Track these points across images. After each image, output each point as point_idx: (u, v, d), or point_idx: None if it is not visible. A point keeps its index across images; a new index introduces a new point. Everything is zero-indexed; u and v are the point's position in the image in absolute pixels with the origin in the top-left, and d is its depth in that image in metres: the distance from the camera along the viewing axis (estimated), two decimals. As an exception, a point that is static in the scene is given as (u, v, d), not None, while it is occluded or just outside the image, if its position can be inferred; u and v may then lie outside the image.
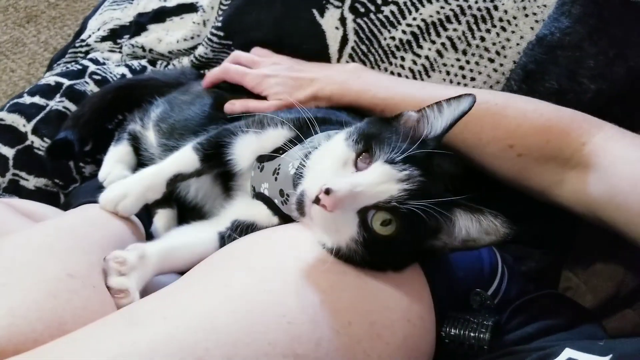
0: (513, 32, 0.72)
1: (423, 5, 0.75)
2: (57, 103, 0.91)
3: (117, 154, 0.81)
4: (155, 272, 0.55)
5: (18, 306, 0.41)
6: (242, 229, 0.62)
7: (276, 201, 0.60)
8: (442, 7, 0.74)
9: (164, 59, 1.00)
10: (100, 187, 0.76)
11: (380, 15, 0.77)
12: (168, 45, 0.98)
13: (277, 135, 0.62)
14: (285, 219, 0.60)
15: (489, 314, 0.48)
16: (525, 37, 0.71)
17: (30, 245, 0.49)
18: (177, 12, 1.00)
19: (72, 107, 0.90)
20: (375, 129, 0.53)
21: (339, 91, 0.70)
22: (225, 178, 0.69)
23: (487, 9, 0.72)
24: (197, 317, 0.39)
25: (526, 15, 0.72)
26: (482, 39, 0.73)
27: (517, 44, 0.72)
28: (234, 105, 0.75)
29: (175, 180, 0.64)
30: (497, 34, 0.72)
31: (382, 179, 0.46)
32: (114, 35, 1.06)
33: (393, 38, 0.77)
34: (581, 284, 0.66)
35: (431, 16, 0.75)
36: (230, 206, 0.65)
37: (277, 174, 0.60)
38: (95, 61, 0.99)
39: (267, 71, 0.76)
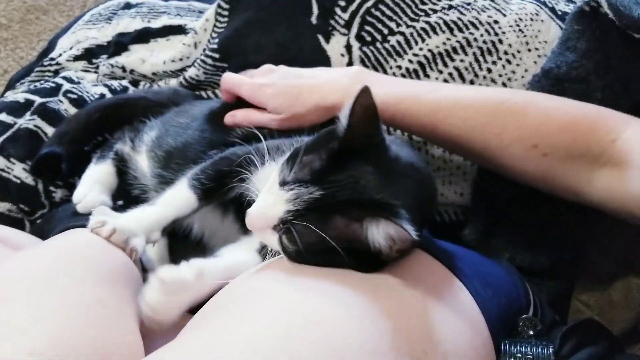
0: (518, 65, 0.75)
1: (429, 37, 0.77)
2: (28, 121, 0.83)
3: (98, 173, 0.75)
4: (212, 290, 0.49)
5: (57, 336, 0.34)
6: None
7: None
8: (448, 39, 0.76)
9: (146, 79, 0.95)
10: (77, 213, 0.70)
11: (386, 45, 0.78)
12: (152, 66, 0.94)
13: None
14: None
15: (545, 342, 0.47)
16: (530, 70, 0.74)
17: (44, 268, 0.42)
18: (163, 33, 0.97)
19: (45, 125, 0.84)
20: (306, 146, 0.51)
21: (343, 99, 0.61)
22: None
23: (492, 42, 0.75)
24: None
25: (529, 50, 0.75)
26: (489, 70, 0.75)
27: (522, 77, 0.75)
28: (235, 117, 0.69)
29: (173, 223, 0.60)
30: (503, 66, 0.75)
31: (273, 202, 0.48)
32: (89, 54, 1.01)
33: (399, 67, 0.78)
34: (594, 316, 0.67)
35: (437, 47, 0.77)
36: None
37: None
38: (69, 80, 0.93)
39: (263, 80, 0.71)
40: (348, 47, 0.79)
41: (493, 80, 0.75)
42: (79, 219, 0.65)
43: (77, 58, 1.01)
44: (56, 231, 0.62)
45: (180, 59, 0.92)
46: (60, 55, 1.02)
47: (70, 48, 1.03)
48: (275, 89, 0.68)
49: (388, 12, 0.78)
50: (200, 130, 0.70)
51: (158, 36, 0.97)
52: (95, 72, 0.99)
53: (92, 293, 0.41)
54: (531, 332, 0.48)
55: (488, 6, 0.77)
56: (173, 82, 0.92)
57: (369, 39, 0.78)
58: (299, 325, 0.37)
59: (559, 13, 0.77)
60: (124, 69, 0.95)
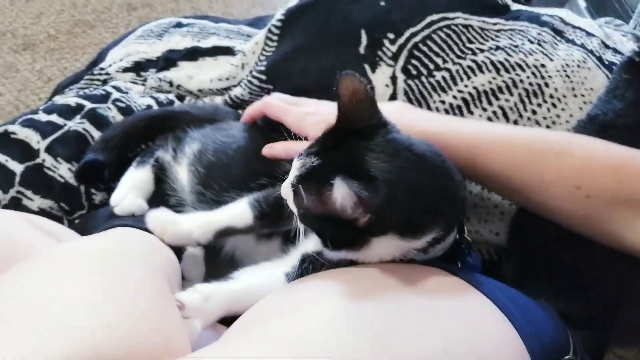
0: (563, 109, 0.76)
1: (475, 75, 0.79)
2: (77, 124, 0.86)
3: (137, 178, 0.76)
4: (221, 315, 0.50)
5: (129, 313, 0.35)
6: (310, 261, 0.59)
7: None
8: (494, 78, 0.78)
9: (192, 95, 0.98)
10: (114, 215, 0.71)
11: (431, 79, 0.80)
12: (199, 83, 0.97)
13: None
14: None
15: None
16: (575, 115, 0.75)
17: (109, 252, 0.44)
18: (212, 53, 1.01)
19: (92, 129, 0.86)
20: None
21: None
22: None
23: (539, 85, 0.76)
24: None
25: (575, 96, 0.76)
26: (534, 112, 0.76)
27: (567, 121, 0.75)
28: (273, 149, 0.70)
29: (225, 232, 0.62)
30: (548, 109, 0.76)
31: (292, 169, 0.55)
32: (138, 67, 1.05)
33: (443, 102, 0.79)
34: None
35: (483, 85, 0.78)
36: (297, 247, 0.61)
37: None
38: (118, 89, 0.97)
39: (308, 109, 0.73)
40: (393, 79, 0.81)
41: (537, 122, 0.76)
42: (125, 219, 0.66)
43: (126, 70, 1.05)
44: (101, 229, 0.63)
45: (227, 78, 0.95)
46: (110, 65, 1.06)
47: (121, 60, 1.07)
48: (320, 116, 0.69)
49: (435, 49, 0.80)
50: (242, 156, 0.71)
51: (207, 55, 1.01)
52: (143, 85, 1.03)
53: (152, 281, 0.42)
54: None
55: (535, 50, 0.78)
56: (218, 100, 0.95)
57: (414, 72, 0.80)
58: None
59: (606, 62, 0.78)
60: (171, 83, 0.99)
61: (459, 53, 0.80)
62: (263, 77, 0.88)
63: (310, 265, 0.58)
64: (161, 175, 0.76)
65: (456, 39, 0.80)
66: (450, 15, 0.81)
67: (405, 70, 0.81)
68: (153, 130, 0.83)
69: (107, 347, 0.33)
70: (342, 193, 0.46)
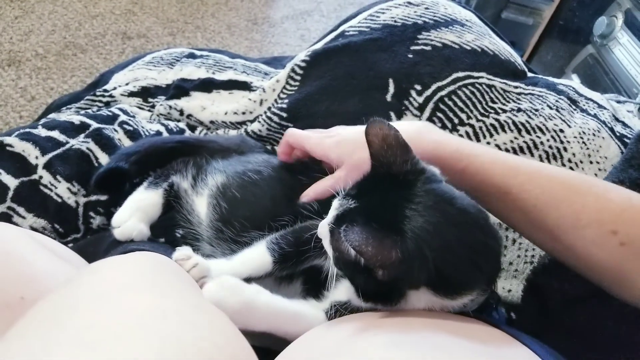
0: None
1: (497, 133, 0.81)
2: (81, 143, 0.83)
3: (144, 200, 0.71)
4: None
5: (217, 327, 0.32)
6: (337, 308, 0.55)
7: None
8: (515, 138, 0.80)
9: (202, 126, 0.97)
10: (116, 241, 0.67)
11: (455, 133, 0.82)
12: (212, 114, 0.96)
13: None
14: None
15: None
16: (591, 180, 0.78)
17: (154, 269, 0.40)
18: (227, 86, 1.00)
19: (97, 150, 0.83)
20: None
21: (413, 141, 0.57)
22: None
23: (558, 149, 0.79)
24: None
25: (590, 162, 0.79)
26: (553, 174, 0.78)
27: (583, 186, 0.78)
28: (307, 197, 0.66)
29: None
30: (566, 173, 0.78)
31: (331, 210, 0.54)
32: (146, 93, 1.03)
33: (465, 156, 0.81)
34: None
35: (505, 143, 0.80)
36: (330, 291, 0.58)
37: None
38: (125, 112, 0.94)
39: (329, 133, 0.70)
40: (418, 129, 0.82)
41: (555, 184, 0.78)
42: (141, 245, 0.62)
43: (132, 94, 1.02)
44: (117, 252, 0.59)
45: (243, 113, 0.94)
46: (114, 88, 1.03)
47: (127, 84, 1.05)
48: (339, 137, 0.67)
49: (460, 104, 0.82)
50: (267, 196, 0.68)
51: (221, 88, 1.00)
52: (149, 111, 1.01)
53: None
54: None
55: (554, 115, 0.82)
56: (232, 133, 0.93)
57: (439, 124, 0.82)
58: None
59: (617, 134, 0.82)
60: (182, 112, 0.97)
61: (482, 111, 0.82)
62: (284, 114, 0.88)
63: (337, 314, 0.55)
64: (174, 203, 0.72)
65: (480, 97, 0.83)
66: (475, 74, 0.84)
67: (430, 121, 0.82)
68: (177, 155, 0.79)
69: None
70: (351, 240, 0.45)
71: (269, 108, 0.91)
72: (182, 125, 0.95)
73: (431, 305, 0.51)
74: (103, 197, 0.79)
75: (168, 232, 0.75)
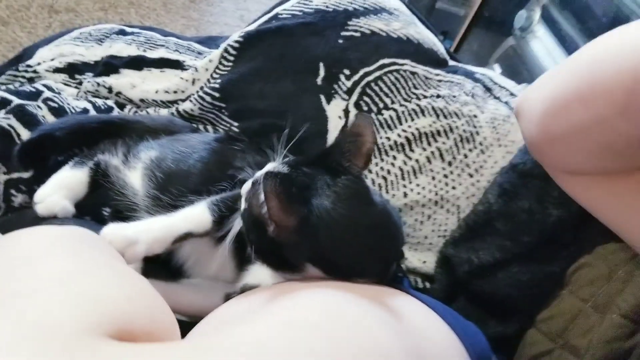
0: (489, 156, 0.86)
1: (418, 117, 0.87)
2: (1, 119, 0.80)
3: (70, 178, 0.73)
4: None
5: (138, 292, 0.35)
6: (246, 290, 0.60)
7: None
8: (434, 122, 0.87)
9: (132, 104, 0.97)
10: (38, 218, 0.67)
11: (380, 117, 0.87)
12: (142, 92, 0.96)
13: None
14: None
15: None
16: (499, 162, 0.86)
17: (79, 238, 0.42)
18: (159, 64, 1.00)
19: (19, 126, 0.81)
20: None
21: None
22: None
23: (471, 133, 0.87)
24: None
25: (499, 145, 0.87)
26: (465, 155, 0.86)
27: (492, 167, 0.86)
28: None
29: (184, 238, 0.61)
30: (477, 155, 0.86)
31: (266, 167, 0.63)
32: (72, 69, 1.01)
33: (388, 138, 0.86)
34: None
35: (424, 127, 0.87)
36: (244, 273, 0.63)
37: None
38: (49, 88, 0.92)
39: None
40: (346, 112, 0.87)
41: (467, 165, 0.86)
42: (67, 221, 0.63)
43: (57, 70, 1.00)
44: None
45: (175, 92, 0.95)
46: (39, 64, 1.01)
47: (52, 59, 1.02)
48: None
49: (385, 89, 0.88)
50: (202, 164, 0.72)
51: (152, 66, 1.00)
52: (76, 88, 0.99)
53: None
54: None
55: (469, 102, 0.89)
56: (163, 112, 0.94)
57: (365, 108, 0.87)
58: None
59: (526, 120, 0.91)
60: (110, 89, 0.96)
61: (405, 96, 0.88)
62: (216, 94, 0.89)
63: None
64: (102, 181, 0.73)
65: (404, 83, 0.88)
66: (400, 61, 0.89)
67: (357, 105, 0.87)
68: (101, 135, 0.80)
69: (134, 318, 0.33)
70: (266, 186, 0.50)
71: (201, 88, 0.92)
72: (110, 102, 0.95)
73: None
74: (25, 175, 0.78)
75: (94, 210, 0.76)
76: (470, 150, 0.86)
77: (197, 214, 0.61)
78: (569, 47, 1.29)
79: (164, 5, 2.07)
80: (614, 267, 0.73)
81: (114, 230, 0.56)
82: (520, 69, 1.44)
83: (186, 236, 0.60)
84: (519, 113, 0.66)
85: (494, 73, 0.98)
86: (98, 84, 0.95)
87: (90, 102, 0.92)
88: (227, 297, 0.61)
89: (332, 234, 0.52)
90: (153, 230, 0.58)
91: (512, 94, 0.95)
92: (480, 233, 0.80)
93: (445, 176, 0.85)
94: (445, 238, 0.85)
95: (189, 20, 2.08)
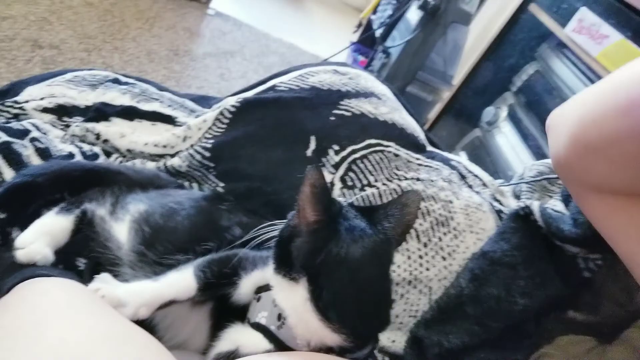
0: (462, 241, 0.91)
1: (398, 197, 0.92)
2: (-13, 154, 0.79)
3: (54, 225, 0.71)
4: None
5: None
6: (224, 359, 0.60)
7: (272, 328, 0.61)
8: (413, 204, 0.92)
9: (119, 153, 0.97)
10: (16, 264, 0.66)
11: (362, 193, 0.92)
12: (131, 143, 0.97)
13: None
14: (280, 345, 0.60)
15: None
16: (470, 248, 0.91)
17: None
18: (151, 117, 1.02)
19: (3, 165, 0.80)
20: None
21: None
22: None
23: (446, 217, 0.92)
24: None
25: (471, 232, 0.93)
26: (440, 239, 0.91)
27: (463, 252, 0.91)
28: None
29: (168, 304, 0.61)
30: (451, 239, 0.91)
31: None
32: (62, 111, 1.02)
33: (369, 214, 0.90)
34: None
35: (404, 208, 0.91)
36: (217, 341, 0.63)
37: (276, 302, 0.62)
38: (37, 128, 0.92)
39: None
40: (331, 184, 0.91)
41: (442, 248, 0.90)
42: (49, 270, 0.61)
43: (46, 110, 1.00)
44: (17, 278, 0.58)
45: (164, 146, 0.96)
46: (27, 102, 1.00)
47: (41, 99, 1.02)
48: None
49: (370, 167, 0.93)
50: (190, 222, 0.73)
51: (144, 118, 1.02)
52: (62, 130, 0.99)
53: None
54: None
55: (446, 187, 0.95)
56: (150, 165, 0.95)
57: (350, 183, 0.92)
58: None
59: (496, 209, 0.98)
60: (98, 136, 0.97)
61: (388, 176, 0.93)
62: (207, 153, 0.92)
63: None
64: (87, 230, 0.72)
65: (387, 163, 0.94)
66: (385, 143, 0.95)
67: (342, 179, 0.91)
68: (83, 183, 0.79)
69: None
70: (312, 173, 0.57)
71: (192, 145, 0.95)
72: (96, 149, 0.95)
73: (307, 325, 0.57)
74: (1, 215, 0.77)
75: (67, 258, 0.74)
76: (444, 234, 0.91)
77: (183, 281, 0.62)
78: (531, 144, 1.41)
79: (148, 55, 2.12)
80: (572, 359, 0.78)
81: (105, 287, 0.56)
82: (485, 159, 1.55)
83: (170, 303, 0.60)
84: (550, 127, 0.66)
85: (468, 162, 1.06)
86: (87, 130, 0.96)
87: (77, 146, 0.92)
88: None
89: (338, 267, 0.55)
90: (142, 294, 0.58)
91: (484, 184, 1.03)
92: (451, 316, 0.83)
93: (421, 257, 0.89)
94: (415, 318, 0.88)
95: (170, 71, 2.13)
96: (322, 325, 0.56)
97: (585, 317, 0.82)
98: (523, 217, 0.88)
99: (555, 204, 0.94)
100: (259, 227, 0.67)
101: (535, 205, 0.86)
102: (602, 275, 0.81)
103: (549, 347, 0.83)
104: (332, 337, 0.56)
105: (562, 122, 0.64)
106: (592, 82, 1.27)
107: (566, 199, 0.95)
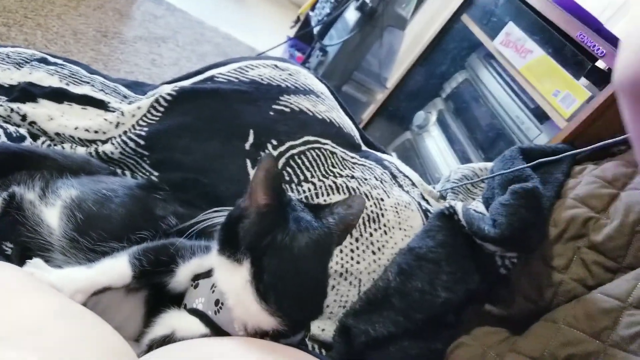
0: (391, 237, 0.97)
1: (333, 193, 0.96)
2: None
3: None
4: None
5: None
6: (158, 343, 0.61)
7: (209, 313, 0.63)
8: (346, 200, 0.96)
9: (46, 137, 0.94)
10: None
11: (299, 188, 0.95)
12: (60, 127, 0.94)
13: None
14: (216, 330, 0.62)
15: None
16: (399, 243, 0.97)
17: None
18: (81, 101, 0.99)
19: None
20: None
21: None
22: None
23: (377, 214, 0.98)
24: None
25: (400, 229, 0.99)
26: (371, 234, 0.96)
27: (392, 247, 0.97)
28: None
29: (102, 291, 0.61)
30: (381, 235, 0.97)
31: None
32: (-18, 89, 0.96)
33: (304, 209, 0.94)
34: None
35: (337, 203, 0.96)
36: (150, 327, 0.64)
37: (214, 287, 0.64)
38: (-44, 105, 0.86)
39: None
40: (268, 178, 0.93)
41: (372, 243, 0.96)
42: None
43: (-35, 87, 0.95)
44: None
45: (96, 132, 0.94)
46: (-56, 77, 0.94)
47: (-40, 75, 0.96)
48: None
49: (307, 163, 0.96)
50: (124, 209, 0.73)
51: (74, 102, 0.98)
52: (-16, 109, 0.94)
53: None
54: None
55: (378, 186, 1.01)
56: (80, 150, 0.92)
57: (287, 178, 0.94)
58: None
59: (423, 208, 1.05)
60: (24, 117, 0.93)
61: (324, 172, 0.97)
62: (141, 141, 0.91)
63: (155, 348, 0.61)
64: (15, 214, 0.70)
65: (324, 160, 0.98)
66: (322, 140, 0.99)
67: (280, 174, 0.94)
68: (8, 166, 0.76)
69: None
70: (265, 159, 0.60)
71: (125, 132, 0.93)
72: (22, 131, 0.91)
73: (245, 307, 0.59)
74: None
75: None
76: (375, 230, 0.97)
77: (118, 268, 0.62)
78: (458, 149, 1.51)
79: (74, 34, 2.02)
80: (487, 349, 0.86)
81: (38, 273, 0.55)
82: (414, 161, 1.64)
83: (104, 289, 0.61)
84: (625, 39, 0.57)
85: (399, 162, 1.13)
86: (12, 110, 0.92)
87: (1, 126, 0.88)
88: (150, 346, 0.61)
89: (282, 252, 0.58)
90: (76, 281, 0.58)
91: (413, 184, 1.09)
92: (378, 307, 0.89)
93: (352, 251, 0.94)
94: (344, 308, 0.92)
95: (97, 53, 2.05)
96: (259, 308, 0.58)
97: (500, 311, 0.91)
98: (447, 216, 0.95)
99: (477, 206, 1.02)
100: (205, 212, 0.68)
101: (459, 206, 0.94)
102: (516, 272, 0.90)
103: (467, 338, 0.90)
104: (268, 320, 0.59)
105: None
106: (516, 92, 1.38)
107: (486, 201, 1.03)
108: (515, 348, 0.84)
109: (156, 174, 0.92)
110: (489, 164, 1.15)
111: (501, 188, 0.97)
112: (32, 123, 0.93)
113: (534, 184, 0.90)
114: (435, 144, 1.60)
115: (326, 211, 0.66)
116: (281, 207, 0.61)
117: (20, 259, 0.67)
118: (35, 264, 0.58)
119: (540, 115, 1.28)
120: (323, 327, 0.92)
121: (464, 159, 1.47)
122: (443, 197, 1.15)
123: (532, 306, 0.88)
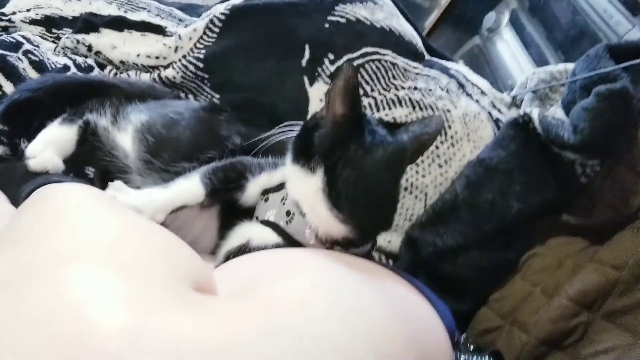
0: (459, 149, 0.94)
1: (395, 107, 0.94)
2: (-19, 68, 0.80)
3: (59, 135, 0.74)
4: None
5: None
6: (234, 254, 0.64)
7: (281, 223, 0.65)
8: (410, 112, 0.94)
9: (112, 65, 0.97)
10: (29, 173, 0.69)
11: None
12: (123, 54, 0.96)
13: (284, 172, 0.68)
14: (288, 239, 0.65)
15: (483, 356, 0.60)
16: (466, 155, 0.94)
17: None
18: (140, 27, 1.01)
19: (2, 79, 0.81)
20: None
21: None
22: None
23: (444, 127, 0.94)
24: None
25: (468, 140, 0.95)
26: (437, 147, 0.93)
27: (460, 160, 0.94)
28: None
29: (178, 209, 0.65)
30: (448, 147, 0.94)
31: None
32: (49, 22, 1.01)
33: (366, 123, 0.92)
34: None
35: (400, 117, 0.93)
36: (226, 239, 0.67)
37: (285, 200, 0.66)
38: (29, 40, 0.91)
39: None
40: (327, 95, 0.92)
41: (438, 156, 0.93)
42: (62, 177, 0.64)
43: (34, 22, 0.99)
44: (33, 185, 0.61)
45: (157, 57, 0.96)
46: (14, 13, 0.99)
47: (28, 10, 1.01)
48: None
49: (366, 77, 0.93)
50: (192, 131, 0.75)
51: (134, 29, 1.00)
52: (54, 42, 0.98)
53: None
54: (472, 347, 0.61)
55: (444, 96, 0.97)
56: (144, 76, 0.95)
57: (346, 93, 0.92)
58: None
59: (494, 118, 0.99)
60: (90, 48, 0.96)
61: (384, 85, 0.94)
62: (200, 64, 0.92)
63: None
64: (92, 140, 0.75)
65: (384, 72, 0.94)
66: (382, 51, 0.95)
67: (338, 89, 0.92)
68: (79, 96, 0.80)
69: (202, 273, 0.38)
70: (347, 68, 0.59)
71: (184, 56, 0.94)
72: (90, 61, 0.95)
73: (317, 214, 0.61)
74: (6, 127, 0.78)
75: (77, 168, 0.78)
76: (441, 142, 0.94)
77: (191, 187, 0.65)
78: (533, 52, 1.40)
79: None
80: (563, 258, 0.83)
81: (121, 196, 0.60)
82: (484, 68, 1.54)
83: (181, 208, 0.64)
84: None
85: (467, 70, 1.07)
86: (77, 41, 0.95)
87: (70, 58, 0.92)
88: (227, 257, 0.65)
89: (355, 163, 0.58)
90: (155, 202, 0.62)
91: (482, 92, 1.03)
92: (445, 219, 0.88)
93: (417, 164, 0.93)
94: (410, 221, 0.93)
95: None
96: (330, 214, 0.59)
97: (578, 221, 0.87)
98: (521, 124, 0.90)
99: (556, 112, 0.95)
100: (279, 125, 0.69)
101: (535, 113, 0.88)
102: (599, 180, 0.85)
103: (541, 248, 0.88)
104: (339, 228, 0.60)
105: None
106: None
107: (567, 107, 0.96)
108: (595, 257, 0.81)
109: (217, 96, 0.93)
110: (571, 65, 1.06)
111: (584, 91, 0.89)
112: (97, 53, 0.96)
113: (623, 83, 0.82)
114: (507, 48, 1.48)
115: (402, 129, 0.64)
116: (357, 119, 0.60)
117: (102, 181, 0.73)
118: (116, 186, 0.63)
119: (633, 7, 1.14)
120: (389, 239, 0.94)
121: (541, 62, 1.36)
122: (516, 105, 1.08)
123: (615, 215, 0.83)
